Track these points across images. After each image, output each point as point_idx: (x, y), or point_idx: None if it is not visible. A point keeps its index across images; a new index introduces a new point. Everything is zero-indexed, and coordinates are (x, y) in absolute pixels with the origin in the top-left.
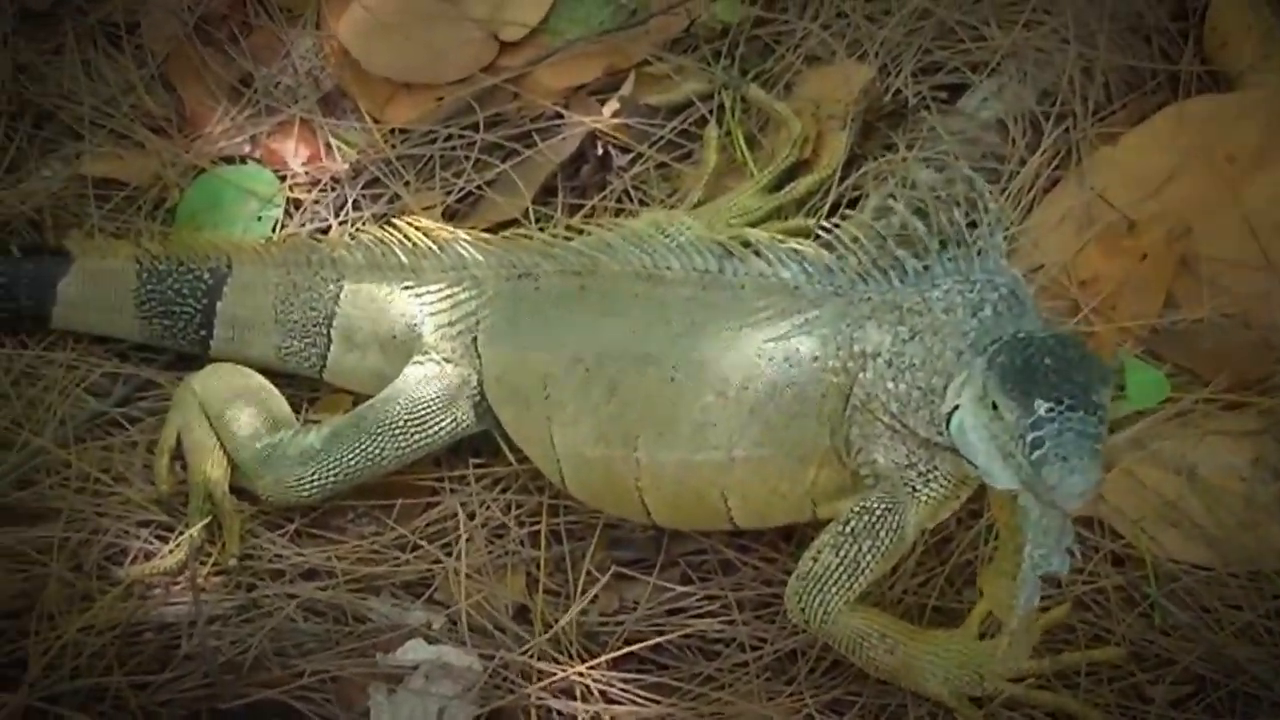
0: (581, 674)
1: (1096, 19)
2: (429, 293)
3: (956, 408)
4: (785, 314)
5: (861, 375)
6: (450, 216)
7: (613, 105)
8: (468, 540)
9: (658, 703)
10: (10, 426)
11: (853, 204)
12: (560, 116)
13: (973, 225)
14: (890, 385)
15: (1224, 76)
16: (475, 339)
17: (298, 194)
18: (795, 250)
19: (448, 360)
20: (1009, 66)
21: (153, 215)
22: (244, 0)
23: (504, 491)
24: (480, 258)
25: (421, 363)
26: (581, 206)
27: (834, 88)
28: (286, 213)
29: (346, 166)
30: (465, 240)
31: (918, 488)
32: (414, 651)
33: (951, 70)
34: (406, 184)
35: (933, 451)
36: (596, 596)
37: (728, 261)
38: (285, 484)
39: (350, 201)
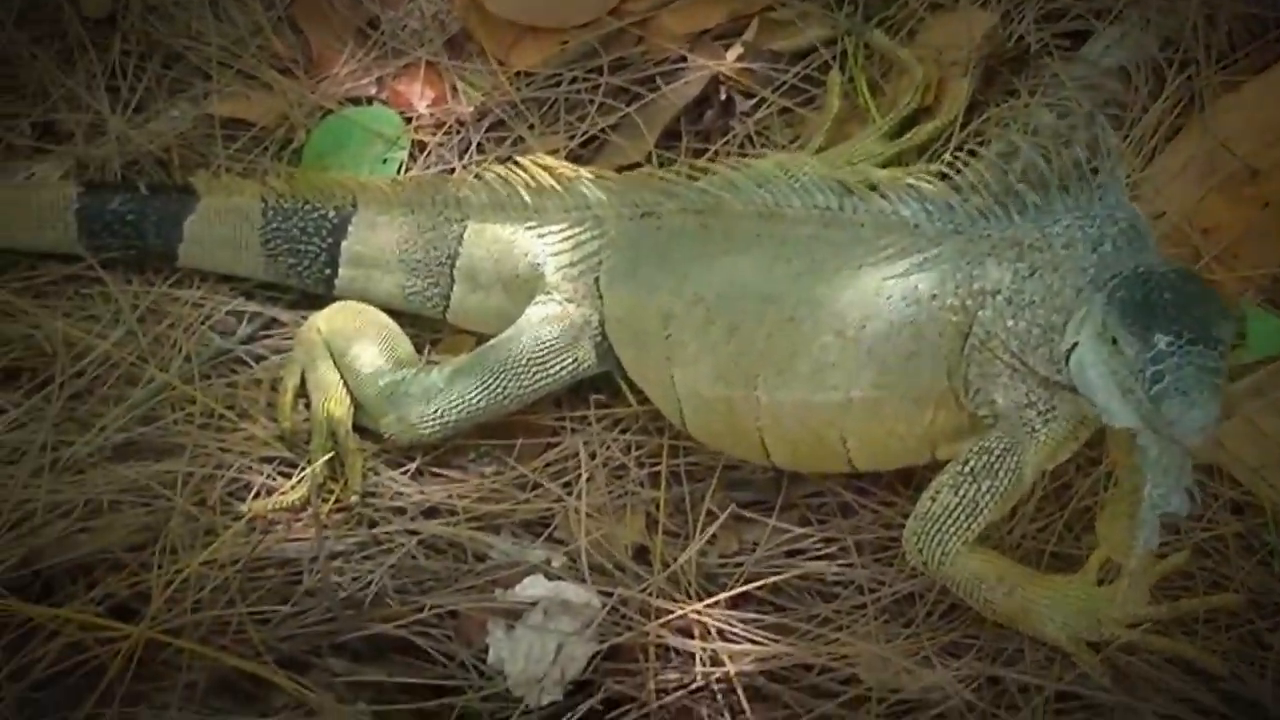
0: (699, 612)
1: None
2: (552, 233)
3: (1075, 345)
4: (904, 252)
5: (981, 313)
6: (573, 160)
7: (736, 50)
8: (588, 480)
9: (775, 643)
10: (136, 363)
11: (974, 150)
12: (684, 60)
13: (1095, 171)
14: (1010, 323)
15: None
16: (597, 279)
17: (422, 136)
18: (915, 187)
19: (570, 300)
20: (1132, 14)
21: (279, 155)
22: None
23: (624, 432)
24: (603, 197)
25: (544, 303)
26: (704, 151)
27: (956, 34)
28: (411, 155)
29: (471, 109)
30: (588, 179)
31: (1037, 427)
32: (533, 588)
33: (1075, 17)
34: (530, 127)
35: (1052, 391)
36: (715, 537)
37: (848, 199)
38: (408, 421)
39: (474, 144)
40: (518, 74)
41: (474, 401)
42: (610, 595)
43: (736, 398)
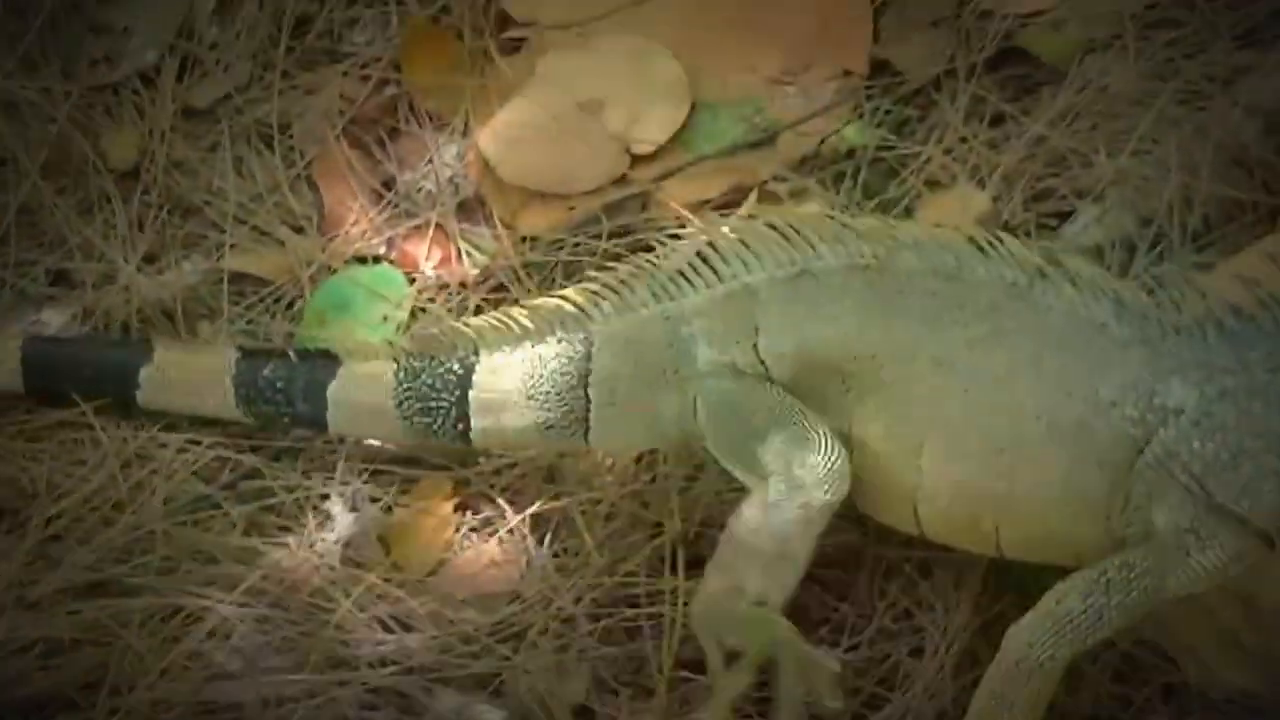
0: None
1: (1201, 149)
2: (694, 314)
3: None
4: (1090, 351)
5: (1162, 431)
6: None
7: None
8: (540, 633)
9: None
10: (115, 506)
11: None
12: (681, 228)
13: None
14: (1196, 445)
15: None
16: (755, 345)
17: (428, 294)
18: (1113, 289)
19: (739, 372)
20: (1113, 193)
21: (285, 313)
22: (396, 106)
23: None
24: (749, 260)
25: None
26: None
27: (953, 213)
28: (412, 314)
29: (475, 271)
30: (727, 236)
31: (1191, 553)
32: None
33: (1060, 197)
34: (529, 291)
35: (1221, 519)
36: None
37: (1040, 282)
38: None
39: (473, 307)
40: (523, 239)
41: None
42: None
43: (899, 460)
